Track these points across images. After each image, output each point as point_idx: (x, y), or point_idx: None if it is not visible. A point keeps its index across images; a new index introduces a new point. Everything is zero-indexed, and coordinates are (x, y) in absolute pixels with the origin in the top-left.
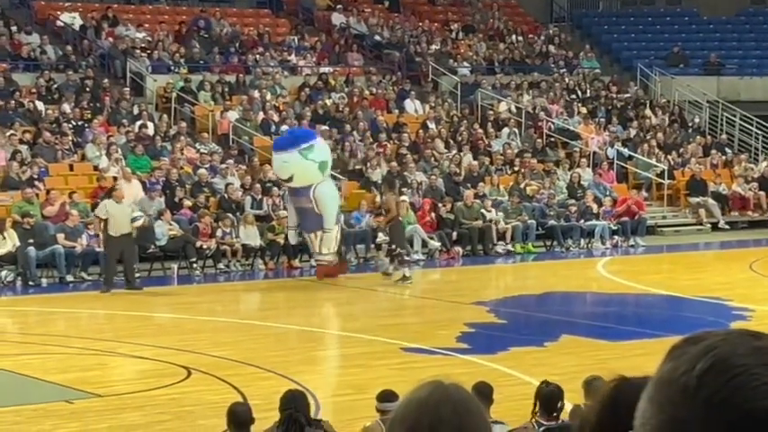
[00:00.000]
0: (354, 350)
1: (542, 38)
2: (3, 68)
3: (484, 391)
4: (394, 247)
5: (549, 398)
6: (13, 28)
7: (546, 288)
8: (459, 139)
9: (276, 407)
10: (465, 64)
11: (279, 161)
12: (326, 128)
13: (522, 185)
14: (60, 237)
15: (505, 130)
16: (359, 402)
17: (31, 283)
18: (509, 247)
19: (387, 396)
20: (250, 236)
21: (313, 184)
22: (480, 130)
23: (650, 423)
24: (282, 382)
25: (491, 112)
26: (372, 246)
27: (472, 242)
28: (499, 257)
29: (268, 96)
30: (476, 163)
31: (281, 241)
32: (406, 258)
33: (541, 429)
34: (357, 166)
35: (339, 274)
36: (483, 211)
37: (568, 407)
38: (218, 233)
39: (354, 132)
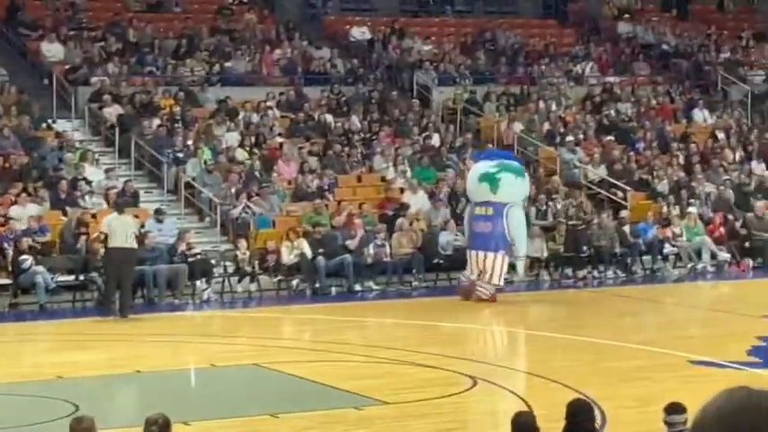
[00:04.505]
0: (641, 362)
1: None
2: (294, 83)
3: None
4: None
5: None
6: (304, 42)
7: None
8: (750, 149)
9: (561, 417)
10: (756, 72)
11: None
12: (612, 138)
13: None
14: (348, 246)
15: None
16: (646, 415)
17: (320, 292)
18: None
19: (674, 408)
20: (536, 248)
21: (509, 204)
22: None
23: None
24: (568, 393)
25: None
26: (659, 257)
27: (764, 254)
28: None
29: (553, 107)
30: (767, 173)
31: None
32: None
33: None
34: (643, 176)
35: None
36: None
37: None
38: None
39: (641, 142)
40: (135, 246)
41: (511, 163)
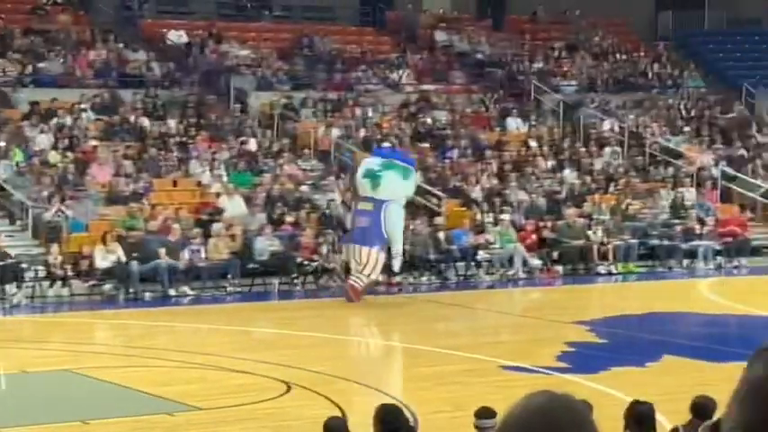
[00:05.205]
0: (453, 367)
1: (647, 56)
2: (109, 85)
3: None
4: None
5: (641, 417)
6: (120, 45)
7: (648, 308)
8: (561, 157)
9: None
10: (568, 82)
11: (374, 164)
12: (427, 145)
13: (624, 205)
14: (162, 251)
15: (608, 149)
16: (457, 420)
17: (133, 296)
18: (611, 266)
19: (485, 413)
20: None
21: (389, 201)
22: (583, 149)
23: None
24: (381, 398)
25: (594, 131)
26: (473, 263)
27: (573, 261)
28: (600, 277)
29: (370, 113)
30: (578, 182)
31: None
32: None
33: None
34: (457, 183)
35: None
36: (585, 230)
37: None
38: (323, 249)
39: (455, 150)
40: None
41: (398, 163)
